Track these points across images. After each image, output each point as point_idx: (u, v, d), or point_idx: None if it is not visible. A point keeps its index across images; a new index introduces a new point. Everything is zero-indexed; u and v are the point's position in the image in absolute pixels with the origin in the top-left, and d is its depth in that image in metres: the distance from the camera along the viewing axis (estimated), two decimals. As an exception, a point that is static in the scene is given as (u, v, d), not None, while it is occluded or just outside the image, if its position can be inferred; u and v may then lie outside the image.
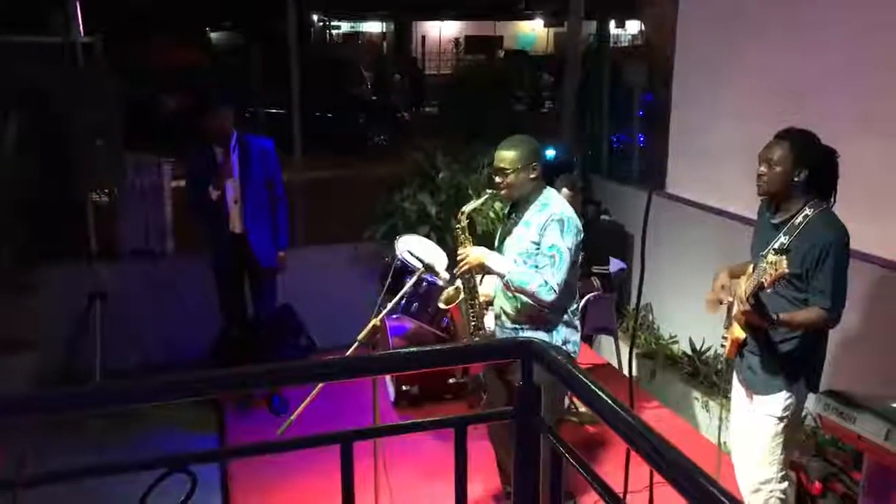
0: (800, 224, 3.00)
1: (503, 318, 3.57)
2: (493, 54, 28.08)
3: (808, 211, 3.01)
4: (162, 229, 5.95)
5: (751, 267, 3.12)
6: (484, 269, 3.53)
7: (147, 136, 8.12)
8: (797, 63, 4.53)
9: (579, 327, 3.58)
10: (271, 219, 4.91)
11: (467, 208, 3.63)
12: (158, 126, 10.89)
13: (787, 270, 2.69)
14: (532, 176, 3.42)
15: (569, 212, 3.42)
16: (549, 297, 3.29)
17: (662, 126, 5.96)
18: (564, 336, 3.47)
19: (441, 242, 5.06)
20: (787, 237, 2.99)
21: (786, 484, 3.23)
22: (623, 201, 6.30)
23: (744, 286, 2.98)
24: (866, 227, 3.49)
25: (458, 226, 3.60)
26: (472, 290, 3.65)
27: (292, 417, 3.10)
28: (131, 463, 1.55)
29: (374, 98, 16.72)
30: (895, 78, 3.92)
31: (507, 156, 3.42)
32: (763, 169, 3.04)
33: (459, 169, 5.88)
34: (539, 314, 3.42)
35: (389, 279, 4.16)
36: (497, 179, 3.46)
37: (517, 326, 3.50)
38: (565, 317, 3.47)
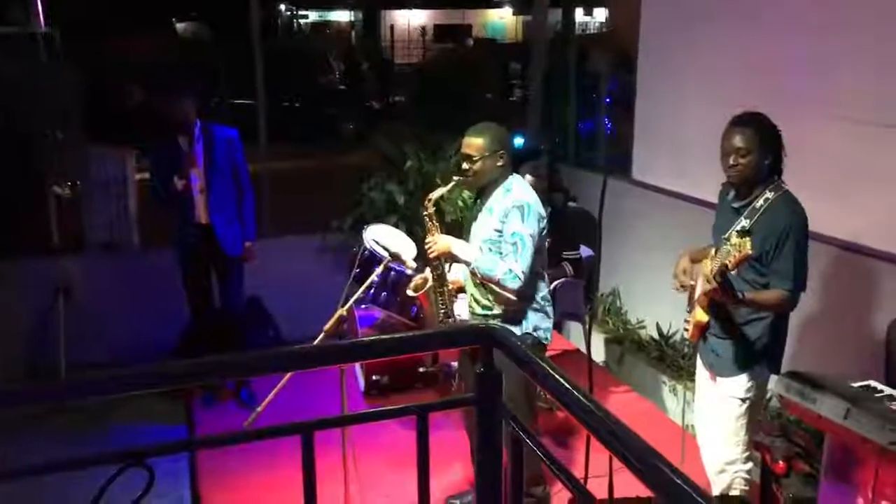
0: (760, 207, 3.02)
1: (474, 305, 3.57)
2: (462, 43, 28.03)
3: (768, 194, 3.03)
4: (127, 222, 5.89)
5: (713, 250, 3.15)
6: (451, 257, 3.53)
7: (111, 127, 8.00)
8: (759, 46, 4.54)
9: (551, 314, 3.58)
10: (237, 208, 4.86)
11: (434, 195, 3.61)
12: (122, 117, 10.73)
13: (750, 252, 2.71)
14: (499, 164, 3.42)
15: (529, 198, 3.40)
16: (514, 284, 3.30)
17: (628, 113, 5.99)
18: (535, 323, 3.47)
19: (409, 232, 5.05)
20: (749, 220, 3.02)
21: (750, 464, 3.27)
22: (591, 188, 6.28)
23: (709, 266, 3.00)
24: (825, 208, 3.54)
25: (424, 213, 3.59)
26: (440, 278, 3.65)
27: (259, 409, 3.11)
28: (87, 458, 1.53)
29: (342, 87, 16.62)
30: (857, 59, 3.95)
31: (474, 142, 3.41)
32: (733, 160, 3.02)
33: (427, 157, 5.87)
34: (508, 301, 3.42)
35: (357, 269, 4.15)
36: (464, 166, 3.46)
37: (487, 313, 3.51)
38: (535, 304, 3.48)
